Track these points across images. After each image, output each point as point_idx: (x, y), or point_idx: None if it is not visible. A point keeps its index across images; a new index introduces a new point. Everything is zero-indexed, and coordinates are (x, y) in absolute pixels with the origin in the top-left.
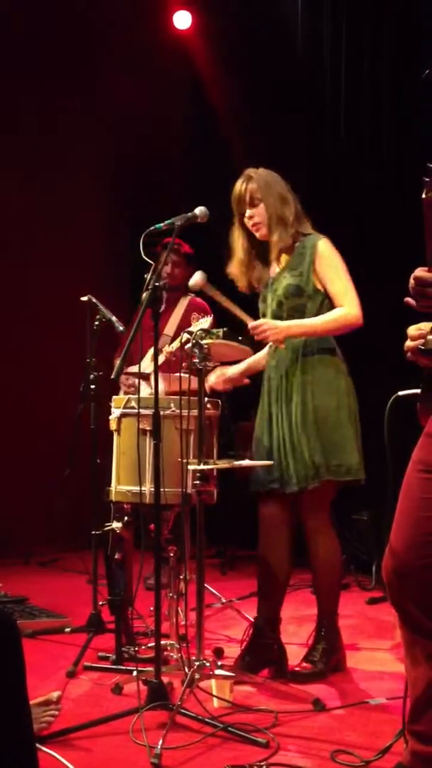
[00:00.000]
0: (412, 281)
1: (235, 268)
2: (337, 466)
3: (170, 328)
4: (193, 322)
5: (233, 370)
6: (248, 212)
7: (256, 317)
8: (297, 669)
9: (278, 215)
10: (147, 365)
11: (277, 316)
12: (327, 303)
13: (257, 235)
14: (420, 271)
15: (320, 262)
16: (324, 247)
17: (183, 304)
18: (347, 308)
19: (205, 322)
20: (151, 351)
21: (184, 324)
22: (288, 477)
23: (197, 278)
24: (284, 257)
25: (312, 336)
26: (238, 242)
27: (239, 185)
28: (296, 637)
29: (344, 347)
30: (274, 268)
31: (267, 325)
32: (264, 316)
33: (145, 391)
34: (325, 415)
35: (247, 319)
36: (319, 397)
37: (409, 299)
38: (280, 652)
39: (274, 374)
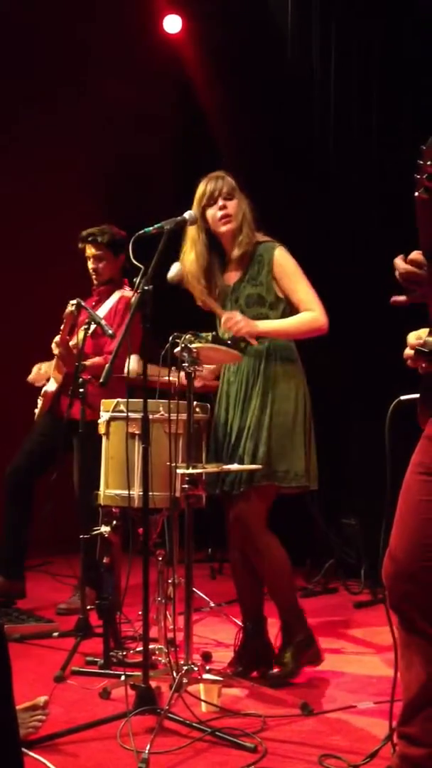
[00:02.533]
0: (405, 264)
1: (190, 276)
2: (284, 472)
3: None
4: None
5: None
6: (221, 202)
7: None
8: (270, 672)
9: (248, 215)
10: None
11: None
12: (288, 311)
13: (224, 228)
14: (414, 254)
15: (278, 270)
16: (280, 255)
17: (114, 298)
18: (317, 313)
19: None
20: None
21: (110, 319)
22: (222, 478)
23: (175, 271)
24: (242, 266)
25: (281, 337)
26: (198, 245)
27: (213, 182)
28: None
29: (347, 349)
30: (232, 277)
31: (240, 317)
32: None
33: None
34: (281, 420)
35: (220, 312)
36: (278, 403)
37: (396, 298)
38: (267, 652)
39: (234, 378)
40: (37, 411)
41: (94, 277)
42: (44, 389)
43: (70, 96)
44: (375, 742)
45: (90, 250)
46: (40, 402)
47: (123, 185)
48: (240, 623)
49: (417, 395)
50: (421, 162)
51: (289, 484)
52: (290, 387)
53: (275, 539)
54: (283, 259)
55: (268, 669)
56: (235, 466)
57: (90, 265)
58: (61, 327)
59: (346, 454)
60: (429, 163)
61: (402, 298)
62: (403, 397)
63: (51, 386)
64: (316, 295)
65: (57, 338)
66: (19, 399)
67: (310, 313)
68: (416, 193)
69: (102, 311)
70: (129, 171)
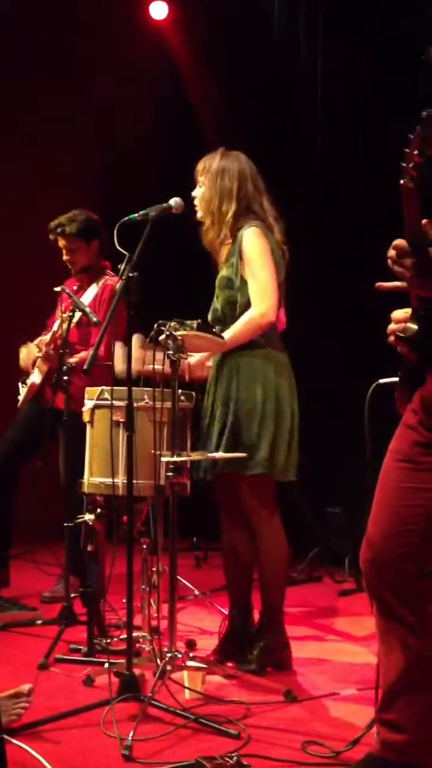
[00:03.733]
0: (392, 251)
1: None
2: (244, 459)
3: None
4: None
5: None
6: (194, 192)
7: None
8: (240, 666)
9: (213, 207)
10: None
11: (215, 308)
12: None
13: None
14: (398, 242)
15: (243, 255)
16: (247, 239)
17: (98, 286)
18: (252, 310)
19: None
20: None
21: (95, 308)
22: (198, 463)
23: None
24: (226, 247)
25: (236, 345)
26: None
27: (200, 163)
28: None
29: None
30: (221, 258)
31: (185, 366)
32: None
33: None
34: (249, 407)
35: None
36: (243, 389)
37: (380, 284)
38: (247, 642)
39: (212, 363)
40: (20, 398)
41: (70, 266)
42: (30, 381)
43: (55, 84)
44: (358, 729)
45: (61, 242)
46: (22, 390)
47: (108, 173)
48: (225, 611)
49: (396, 378)
50: (408, 151)
51: (251, 471)
52: (255, 370)
53: (281, 536)
54: (247, 243)
55: (243, 660)
56: (219, 454)
57: (64, 256)
58: (54, 328)
59: (332, 442)
60: (415, 152)
61: (388, 284)
62: (381, 381)
63: (36, 378)
64: (268, 283)
65: (46, 337)
66: (2, 387)
67: (249, 314)
68: (402, 182)
69: (86, 299)
70: (114, 159)
